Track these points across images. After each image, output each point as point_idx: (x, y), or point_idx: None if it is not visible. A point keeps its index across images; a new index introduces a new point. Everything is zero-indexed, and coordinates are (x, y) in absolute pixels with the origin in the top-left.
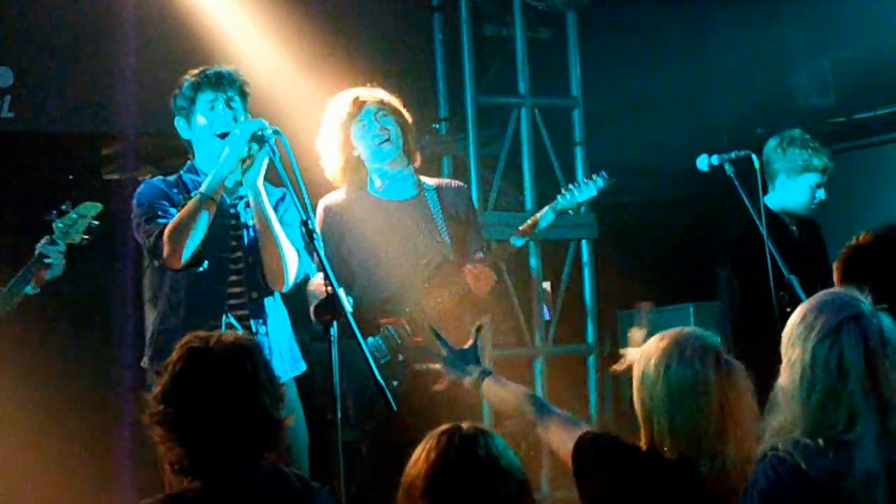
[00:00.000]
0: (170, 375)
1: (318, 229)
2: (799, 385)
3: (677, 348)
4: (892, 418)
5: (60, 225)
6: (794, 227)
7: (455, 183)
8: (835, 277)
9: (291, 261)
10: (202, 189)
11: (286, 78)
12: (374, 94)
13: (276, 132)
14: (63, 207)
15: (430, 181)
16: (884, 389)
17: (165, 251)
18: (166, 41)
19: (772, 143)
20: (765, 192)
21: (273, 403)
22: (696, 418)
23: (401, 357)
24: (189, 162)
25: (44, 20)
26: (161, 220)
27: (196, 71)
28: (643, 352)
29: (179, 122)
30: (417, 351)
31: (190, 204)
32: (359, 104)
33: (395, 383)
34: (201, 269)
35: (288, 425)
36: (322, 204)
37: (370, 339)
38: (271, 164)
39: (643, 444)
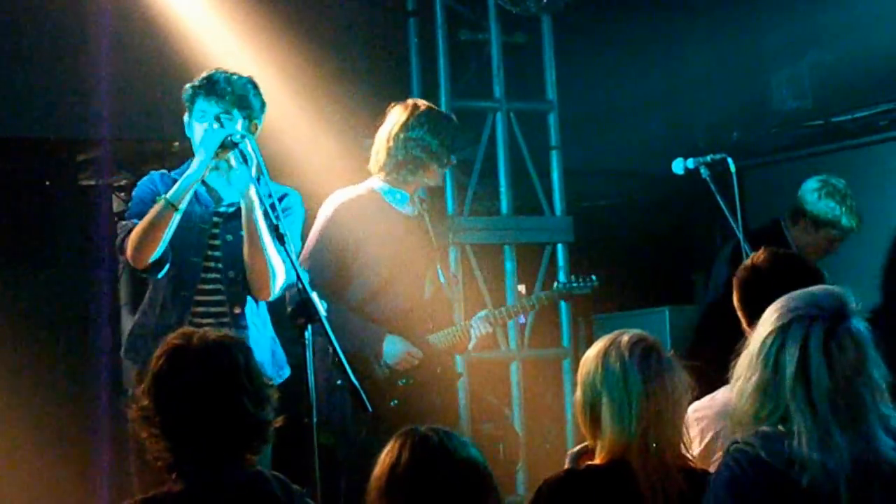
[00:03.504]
0: (152, 372)
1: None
2: (744, 372)
3: (614, 347)
4: (821, 427)
5: None
6: (791, 241)
7: (437, 207)
8: (734, 297)
9: (279, 271)
10: (167, 195)
11: (260, 81)
12: None
13: (243, 135)
14: None
15: (421, 201)
16: (815, 399)
17: (129, 252)
18: (142, 47)
19: (813, 184)
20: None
21: (255, 403)
22: (628, 415)
23: (401, 381)
24: (187, 162)
25: (19, 25)
26: (136, 220)
27: (209, 73)
28: (586, 355)
29: (186, 120)
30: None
31: (154, 209)
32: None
33: (401, 381)
34: (162, 273)
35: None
36: (339, 202)
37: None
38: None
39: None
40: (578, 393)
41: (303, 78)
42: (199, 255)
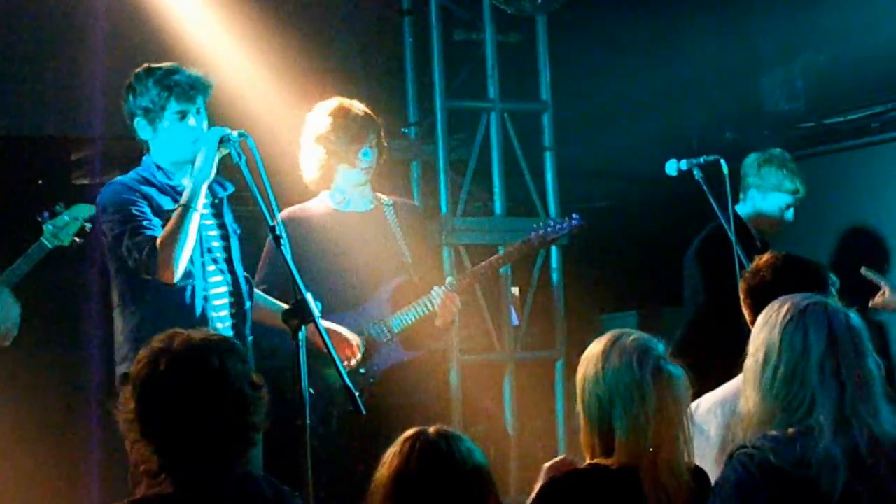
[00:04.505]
0: (133, 376)
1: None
2: (763, 367)
3: (615, 350)
4: (848, 404)
5: (51, 227)
6: (758, 242)
7: (409, 201)
8: (741, 299)
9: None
10: (183, 201)
11: (255, 81)
12: (373, 115)
13: (241, 135)
14: (56, 209)
15: (385, 197)
16: (843, 374)
17: (160, 267)
18: (135, 45)
19: (751, 158)
20: (735, 200)
21: (236, 408)
22: (633, 423)
23: (362, 370)
24: (149, 160)
25: (11, 24)
26: (148, 233)
27: (158, 70)
28: (584, 356)
29: (140, 123)
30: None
31: (176, 217)
32: (366, 126)
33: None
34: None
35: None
36: (280, 217)
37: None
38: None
39: (587, 455)
40: (585, 405)
41: (296, 77)
42: (201, 253)
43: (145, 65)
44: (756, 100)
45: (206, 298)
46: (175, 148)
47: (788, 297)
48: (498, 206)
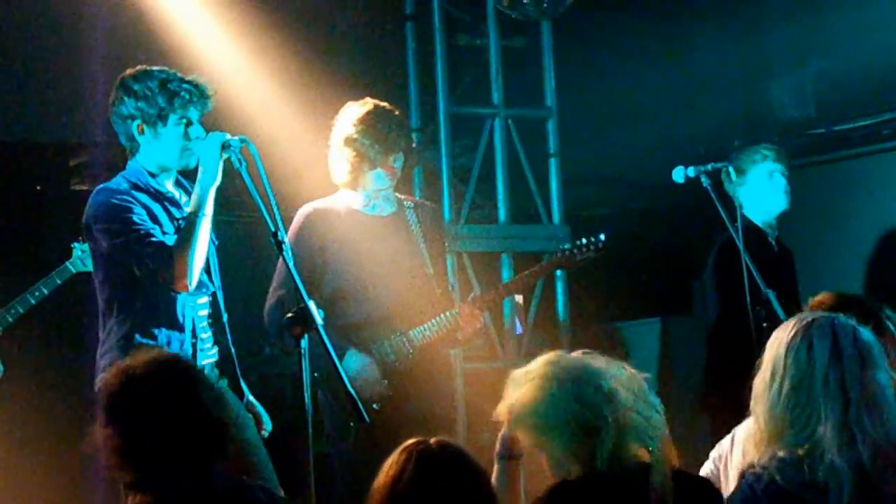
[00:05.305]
0: (105, 400)
1: (288, 240)
2: (770, 384)
3: (553, 380)
4: (853, 416)
5: (79, 251)
6: (773, 242)
7: (429, 203)
8: None
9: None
10: (192, 208)
11: (257, 86)
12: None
13: (243, 140)
14: None
15: (407, 199)
16: (848, 386)
17: (177, 278)
18: (135, 50)
19: (723, 178)
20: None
21: (213, 404)
22: (578, 445)
23: (385, 381)
24: (136, 165)
25: (10, 29)
26: (156, 240)
27: (159, 73)
28: (515, 382)
29: (139, 127)
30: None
31: (187, 225)
32: (401, 134)
33: (374, 406)
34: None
35: (243, 436)
36: (303, 212)
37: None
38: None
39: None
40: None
41: (299, 83)
42: None
43: (140, 67)
44: (765, 106)
45: (192, 308)
46: (170, 154)
47: (797, 315)
48: (502, 213)
